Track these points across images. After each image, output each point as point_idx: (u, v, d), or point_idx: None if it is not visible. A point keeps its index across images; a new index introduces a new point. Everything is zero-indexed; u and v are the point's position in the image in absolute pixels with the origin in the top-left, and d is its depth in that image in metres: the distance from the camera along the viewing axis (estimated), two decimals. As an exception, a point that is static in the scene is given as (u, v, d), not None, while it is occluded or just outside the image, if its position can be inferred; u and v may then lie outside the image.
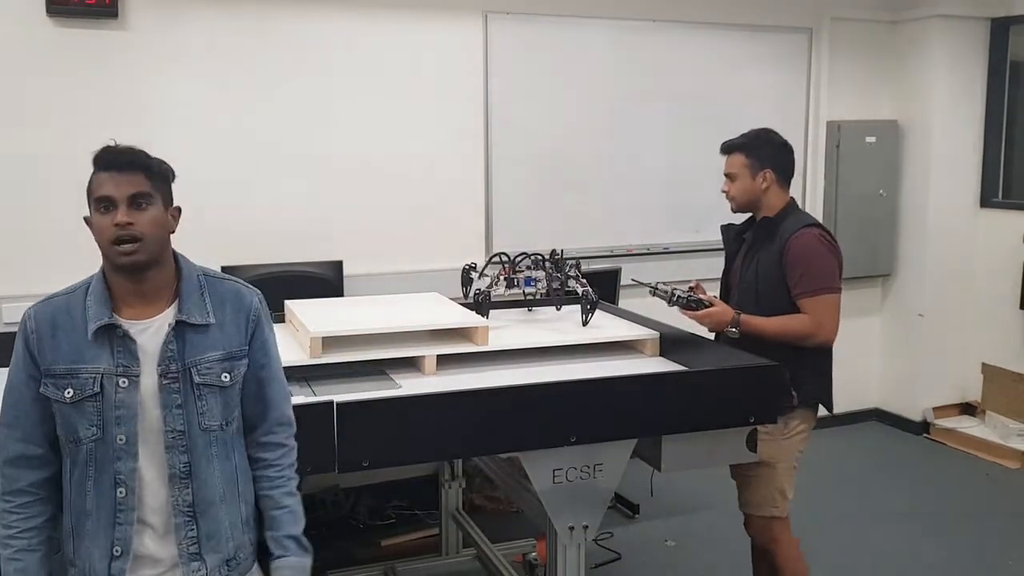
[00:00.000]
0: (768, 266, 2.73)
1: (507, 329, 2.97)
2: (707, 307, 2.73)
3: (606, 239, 4.72)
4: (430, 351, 2.66)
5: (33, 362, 1.70)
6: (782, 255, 2.70)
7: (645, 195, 4.78)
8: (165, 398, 1.72)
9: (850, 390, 5.45)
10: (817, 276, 2.67)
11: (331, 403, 2.14)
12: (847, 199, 5.25)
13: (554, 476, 2.39)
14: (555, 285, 3.10)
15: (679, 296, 2.76)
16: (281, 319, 3.04)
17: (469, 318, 2.86)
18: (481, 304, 2.97)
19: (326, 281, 3.94)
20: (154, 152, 1.81)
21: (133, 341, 1.71)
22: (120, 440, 1.70)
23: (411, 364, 2.69)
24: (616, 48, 4.65)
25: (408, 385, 2.54)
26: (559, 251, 3.20)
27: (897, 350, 5.51)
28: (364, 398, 2.25)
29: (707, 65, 4.85)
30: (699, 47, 4.83)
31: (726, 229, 3.01)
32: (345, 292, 3.99)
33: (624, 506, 4.21)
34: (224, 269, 3.77)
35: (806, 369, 2.71)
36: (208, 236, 3.89)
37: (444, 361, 2.67)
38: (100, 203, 1.69)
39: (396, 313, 2.94)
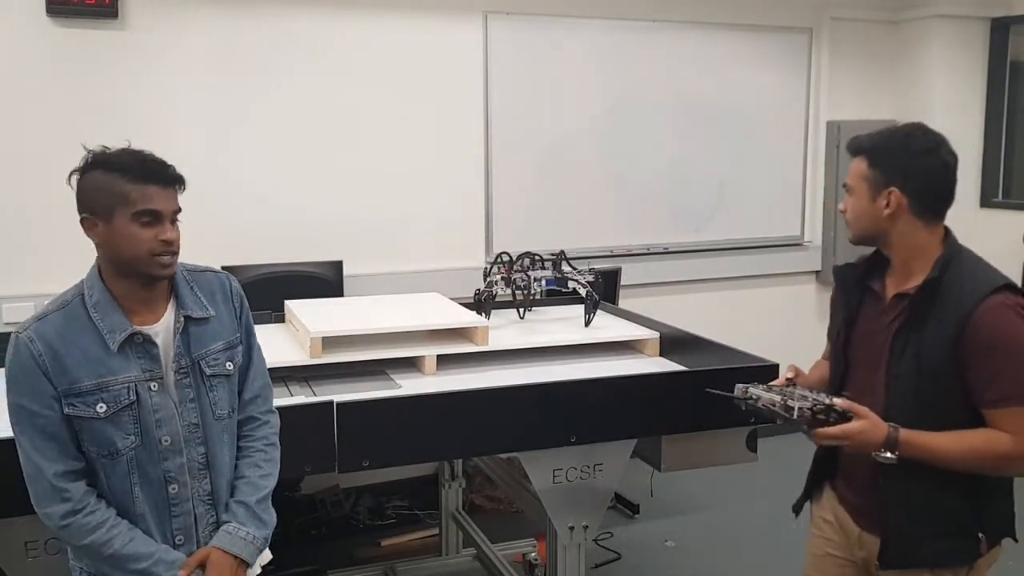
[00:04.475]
0: (939, 353, 1.82)
1: (507, 329, 2.97)
2: (846, 419, 1.82)
3: (606, 239, 4.71)
4: (430, 351, 2.66)
5: (50, 383, 1.65)
6: (961, 338, 1.79)
7: (645, 195, 4.78)
8: (179, 393, 1.76)
9: (850, 390, 5.45)
10: (1021, 374, 1.78)
11: (331, 403, 2.14)
12: (847, 199, 5.24)
13: (554, 476, 2.39)
14: (552, 285, 3.10)
15: (800, 409, 1.83)
16: (281, 319, 3.04)
17: (469, 318, 2.86)
18: (483, 304, 2.97)
19: (326, 281, 3.94)
20: (153, 152, 1.81)
21: (154, 345, 1.74)
22: (165, 441, 1.74)
23: (411, 364, 2.69)
24: (616, 48, 4.65)
25: (408, 385, 2.54)
26: (562, 252, 3.20)
27: (897, 350, 5.49)
28: (364, 398, 2.25)
29: (707, 65, 4.85)
30: (699, 47, 4.83)
31: (843, 272, 2.08)
32: (345, 292, 3.99)
33: (624, 506, 4.21)
34: (224, 269, 3.77)
35: (992, 496, 1.90)
36: (208, 236, 3.88)
37: (444, 361, 2.67)
38: (144, 215, 1.68)
39: (396, 313, 2.94)
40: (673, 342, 2.88)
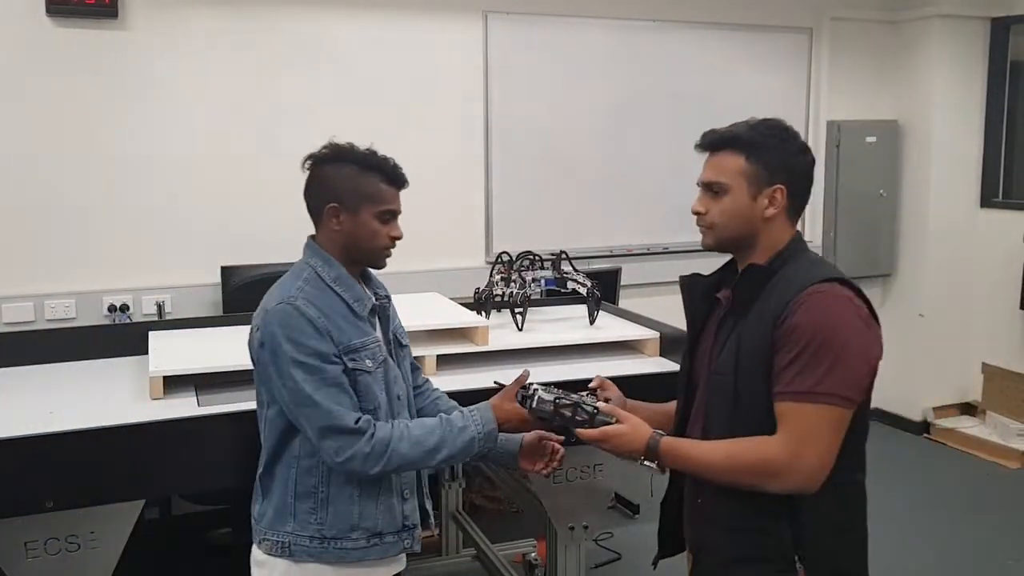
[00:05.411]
0: (756, 346, 1.62)
1: (507, 329, 2.97)
2: (607, 422, 1.76)
3: (606, 239, 4.71)
4: (430, 351, 2.65)
5: (332, 342, 1.80)
6: (777, 328, 1.59)
7: (645, 195, 4.78)
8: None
9: (850, 390, 5.45)
10: (825, 368, 1.53)
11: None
12: (847, 199, 5.25)
13: (554, 476, 2.38)
14: (553, 286, 3.09)
15: (541, 399, 1.82)
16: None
17: (469, 318, 2.86)
18: (483, 303, 2.97)
19: (326, 281, 3.93)
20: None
21: (375, 317, 1.95)
22: (399, 398, 1.94)
23: (411, 364, 2.69)
24: (616, 48, 4.65)
25: (408, 385, 2.54)
26: (563, 252, 3.19)
27: (897, 350, 5.46)
28: (364, 398, 2.25)
29: (707, 65, 4.85)
30: (699, 47, 4.83)
31: (690, 284, 1.87)
32: (345, 292, 3.99)
33: (624, 506, 4.21)
34: (224, 269, 3.78)
35: (817, 521, 1.62)
36: (208, 236, 3.90)
37: (444, 361, 2.67)
38: (386, 214, 1.91)
39: (396, 313, 2.94)
40: (673, 342, 2.88)
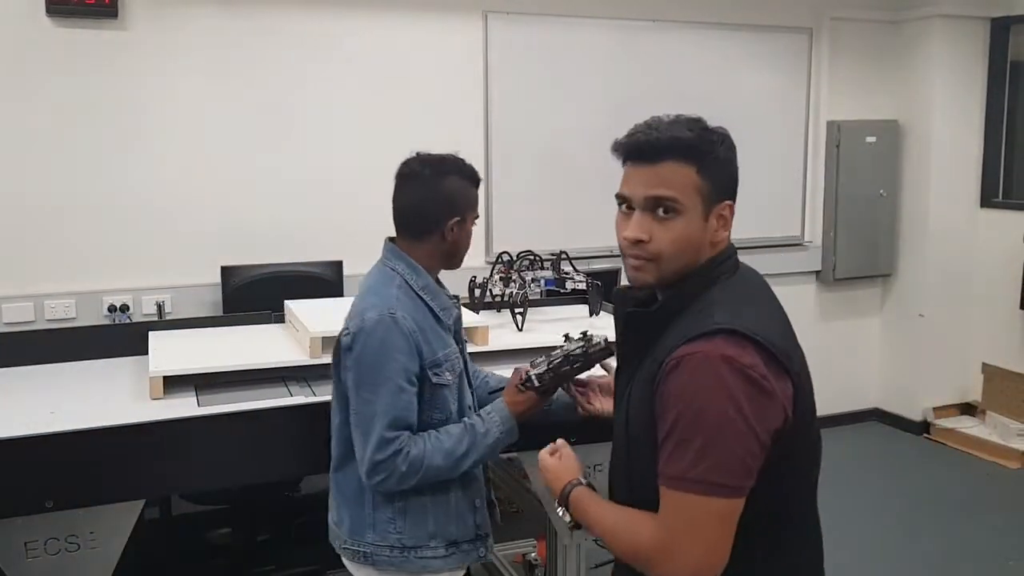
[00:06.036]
0: (642, 399, 1.38)
1: (507, 329, 2.97)
2: (605, 352, 1.81)
3: (606, 239, 4.68)
4: (430, 351, 2.65)
5: (419, 359, 1.82)
6: (654, 386, 1.34)
7: (645, 195, 4.77)
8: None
9: (850, 390, 5.46)
10: (696, 450, 1.26)
11: (331, 403, 2.13)
12: (847, 199, 5.25)
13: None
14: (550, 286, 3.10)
15: (548, 372, 1.89)
16: (281, 319, 3.04)
17: (469, 318, 2.86)
18: (477, 299, 2.97)
19: (326, 281, 3.94)
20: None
21: (452, 323, 1.97)
22: (470, 407, 1.97)
23: (411, 364, 2.68)
24: (616, 48, 4.65)
25: (408, 385, 2.54)
26: (563, 252, 3.19)
27: (897, 350, 5.50)
28: (364, 398, 2.24)
29: (707, 65, 4.85)
30: (699, 47, 4.83)
31: (623, 297, 1.53)
32: (345, 292, 3.98)
33: (624, 506, 4.20)
34: (224, 269, 3.78)
35: None
36: (208, 236, 3.90)
37: (444, 361, 2.67)
38: (476, 218, 1.98)
39: (396, 313, 2.93)
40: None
